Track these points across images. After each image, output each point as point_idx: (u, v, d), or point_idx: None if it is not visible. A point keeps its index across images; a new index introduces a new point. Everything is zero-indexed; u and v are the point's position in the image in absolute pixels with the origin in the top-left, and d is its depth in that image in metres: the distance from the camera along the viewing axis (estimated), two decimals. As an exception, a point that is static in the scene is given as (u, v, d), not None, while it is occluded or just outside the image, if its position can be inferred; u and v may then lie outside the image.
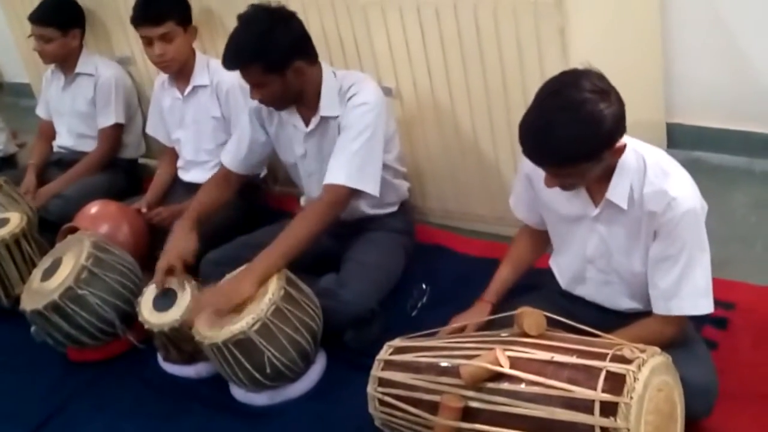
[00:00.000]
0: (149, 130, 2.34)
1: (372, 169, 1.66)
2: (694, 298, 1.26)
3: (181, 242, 1.75)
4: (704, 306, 1.27)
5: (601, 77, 1.21)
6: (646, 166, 1.26)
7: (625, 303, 1.39)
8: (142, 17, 2.05)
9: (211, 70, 2.11)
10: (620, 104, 1.21)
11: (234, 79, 2.04)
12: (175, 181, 2.29)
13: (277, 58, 1.60)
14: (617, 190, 1.27)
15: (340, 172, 1.63)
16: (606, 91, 1.19)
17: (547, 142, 1.18)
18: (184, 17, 2.08)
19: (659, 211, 1.23)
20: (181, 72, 2.11)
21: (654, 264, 1.28)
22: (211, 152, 2.16)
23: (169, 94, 2.19)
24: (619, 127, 1.20)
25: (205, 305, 1.57)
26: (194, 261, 1.77)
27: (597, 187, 1.31)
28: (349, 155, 1.64)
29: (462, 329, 1.41)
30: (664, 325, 1.30)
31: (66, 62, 2.43)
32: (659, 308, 1.29)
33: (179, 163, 2.27)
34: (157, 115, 2.27)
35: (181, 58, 2.09)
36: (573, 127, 1.15)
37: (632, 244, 1.31)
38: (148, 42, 2.06)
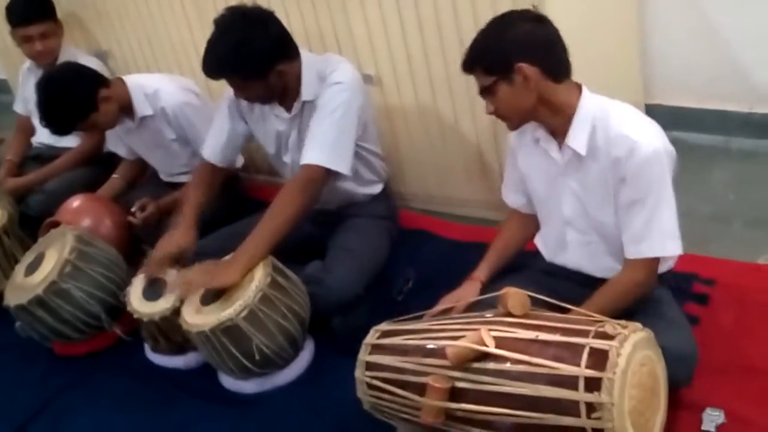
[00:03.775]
0: (110, 146, 2.29)
1: (345, 148, 1.66)
2: (662, 239, 1.29)
3: (180, 237, 1.72)
4: (672, 247, 1.30)
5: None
6: (609, 114, 1.30)
7: (607, 262, 1.41)
8: None
9: (149, 97, 2.03)
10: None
11: (175, 97, 2.03)
12: (154, 174, 2.27)
13: (257, 67, 1.60)
14: (575, 136, 1.31)
15: (313, 152, 1.63)
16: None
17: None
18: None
19: (623, 156, 1.27)
20: (122, 107, 2.01)
21: (623, 209, 1.31)
22: (185, 165, 2.15)
23: (122, 124, 2.10)
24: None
25: (190, 280, 1.57)
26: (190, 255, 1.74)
27: (563, 140, 1.35)
28: (322, 134, 1.64)
29: (450, 310, 1.43)
30: (635, 271, 1.32)
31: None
32: (630, 252, 1.32)
33: (158, 171, 2.24)
34: (114, 135, 2.21)
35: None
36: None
37: (604, 195, 1.34)
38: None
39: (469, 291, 1.47)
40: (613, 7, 2.04)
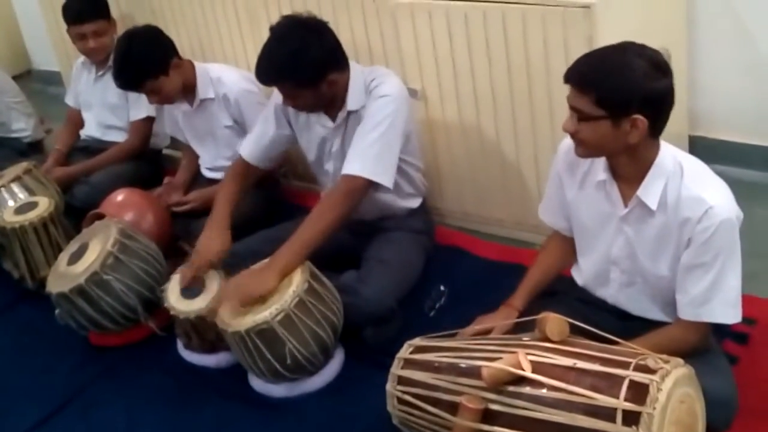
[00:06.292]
0: (168, 130, 2.36)
1: (388, 161, 1.67)
2: (724, 307, 1.27)
3: (216, 243, 1.74)
4: (732, 315, 1.28)
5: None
6: (683, 170, 1.27)
7: (646, 304, 1.39)
8: None
9: (213, 81, 2.10)
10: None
11: (238, 85, 2.08)
12: (198, 172, 2.33)
13: (311, 76, 1.63)
14: (649, 190, 1.28)
15: (356, 163, 1.65)
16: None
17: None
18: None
19: (695, 218, 1.24)
20: (185, 86, 2.09)
21: (685, 270, 1.28)
22: (230, 158, 2.17)
23: (179, 107, 2.19)
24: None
25: (229, 298, 1.59)
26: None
27: (629, 187, 1.31)
28: (366, 146, 1.65)
29: (487, 332, 1.42)
30: (688, 332, 1.30)
31: None
32: (687, 314, 1.30)
33: (201, 162, 2.29)
34: (172, 119, 2.28)
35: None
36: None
37: (660, 248, 1.31)
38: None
39: (504, 318, 1.46)
40: (663, 38, 2.03)
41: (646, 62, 1.20)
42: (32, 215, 2.04)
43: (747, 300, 1.59)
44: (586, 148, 1.29)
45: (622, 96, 1.20)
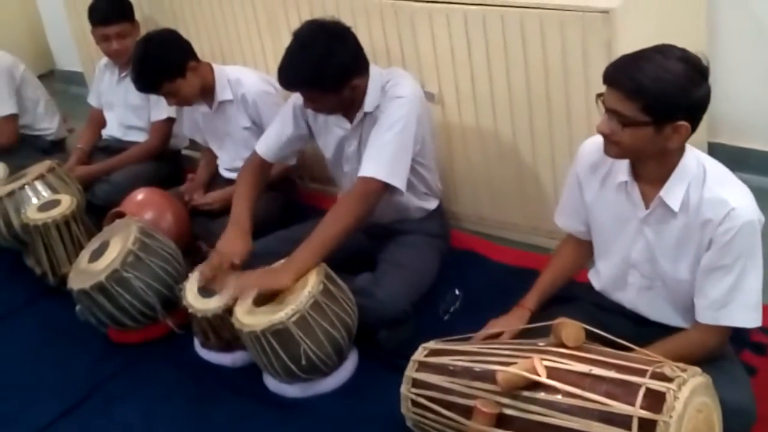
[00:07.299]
0: (187, 132, 2.39)
1: (401, 163, 1.68)
2: (744, 310, 1.26)
3: (239, 245, 1.75)
4: (753, 319, 1.27)
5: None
6: (706, 173, 1.26)
7: (666, 309, 1.38)
8: None
9: (231, 83, 2.13)
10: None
11: (257, 86, 2.11)
12: (217, 173, 2.35)
13: (335, 82, 1.64)
14: (672, 192, 1.27)
15: (372, 164, 1.66)
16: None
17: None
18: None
19: (716, 220, 1.23)
20: (204, 88, 2.12)
21: (705, 273, 1.27)
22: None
23: (198, 109, 2.22)
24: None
25: (245, 282, 1.61)
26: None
27: (650, 189, 1.31)
28: (381, 147, 1.66)
29: (498, 335, 1.42)
30: (707, 335, 1.29)
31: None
32: (706, 318, 1.29)
33: (219, 163, 2.32)
34: (191, 121, 2.31)
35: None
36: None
37: (680, 251, 1.30)
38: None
39: (517, 319, 1.46)
40: (681, 44, 2.01)
41: (690, 67, 1.19)
42: (55, 213, 2.07)
43: (765, 310, 1.58)
44: (620, 150, 1.27)
45: (671, 104, 1.18)
